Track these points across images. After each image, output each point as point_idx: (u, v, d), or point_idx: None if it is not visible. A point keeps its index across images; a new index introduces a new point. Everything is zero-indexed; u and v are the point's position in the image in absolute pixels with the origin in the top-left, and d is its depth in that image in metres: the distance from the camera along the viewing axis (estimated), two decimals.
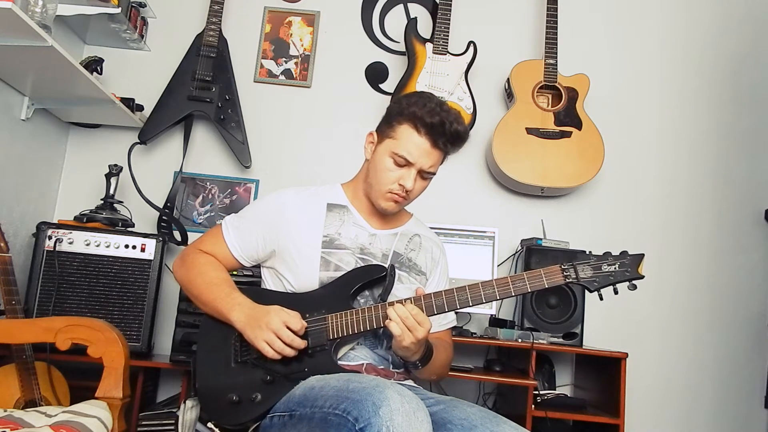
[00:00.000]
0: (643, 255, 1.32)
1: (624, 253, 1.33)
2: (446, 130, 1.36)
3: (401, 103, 1.41)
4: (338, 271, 1.40)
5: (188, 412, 1.39)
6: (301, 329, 1.29)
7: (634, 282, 1.31)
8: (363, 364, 1.36)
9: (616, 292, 1.32)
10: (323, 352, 1.31)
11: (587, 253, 1.34)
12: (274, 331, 1.27)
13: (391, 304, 1.29)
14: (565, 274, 1.30)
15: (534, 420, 1.92)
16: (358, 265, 1.42)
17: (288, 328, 1.27)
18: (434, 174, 1.43)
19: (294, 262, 1.41)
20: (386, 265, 1.42)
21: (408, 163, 1.38)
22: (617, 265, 1.30)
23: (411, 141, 1.37)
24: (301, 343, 1.28)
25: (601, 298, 1.32)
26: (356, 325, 1.31)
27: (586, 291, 1.33)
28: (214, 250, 1.48)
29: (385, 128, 1.44)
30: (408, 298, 1.32)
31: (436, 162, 1.41)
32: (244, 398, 1.29)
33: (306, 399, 1.17)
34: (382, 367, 1.39)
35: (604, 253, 1.33)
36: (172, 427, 1.91)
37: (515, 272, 2.39)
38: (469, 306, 1.31)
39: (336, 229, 1.44)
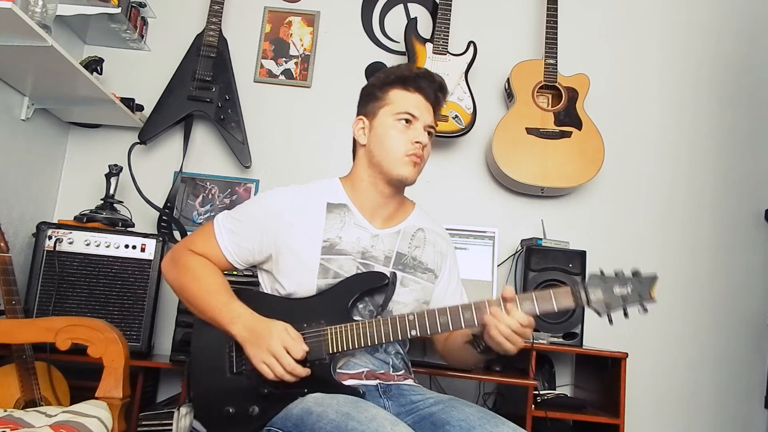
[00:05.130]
0: (656, 277, 1.24)
1: (637, 274, 1.24)
2: (434, 78, 1.43)
3: (379, 78, 1.46)
4: (337, 278, 1.35)
5: (182, 419, 1.38)
6: (302, 356, 1.24)
7: (645, 306, 1.23)
8: (363, 371, 1.34)
9: (626, 316, 1.23)
10: (321, 366, 1.27)
11: (599, 271, 1.25)
12: (275, 356, 1.22)
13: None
14: (575, 296, 1.23)
15: (534, 420, 1.92)
16: (359, 272, 1.37)
17: (288, 352, 1.22)
18: (435, 132, 1.46)
19: (291, 268, 1.36)
20: (387, 273, 1.38)
21: (413, 118, 1.40)
22: (629, 288, 1.22)
23: (406, 100, 1.41)
24: (302, 372, 1.23)
25: (611, 323, 1.23)
26: (356, 340, 1.27)
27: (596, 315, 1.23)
28: (205, 250, 1.41)
29: (372, 104, 1.45)
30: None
31: (433, 117, 1.44)
32: (240, 411, 1.26)
33: (303, 425, 1.14)
34: (382, 371, 1.37)
35: (616, 273, 1.25)
36: (172, 428, 1.91)
37: (515, 272, 2.39)
38: (474, 326, 1.27)
39: (336, 233, 1.39)
